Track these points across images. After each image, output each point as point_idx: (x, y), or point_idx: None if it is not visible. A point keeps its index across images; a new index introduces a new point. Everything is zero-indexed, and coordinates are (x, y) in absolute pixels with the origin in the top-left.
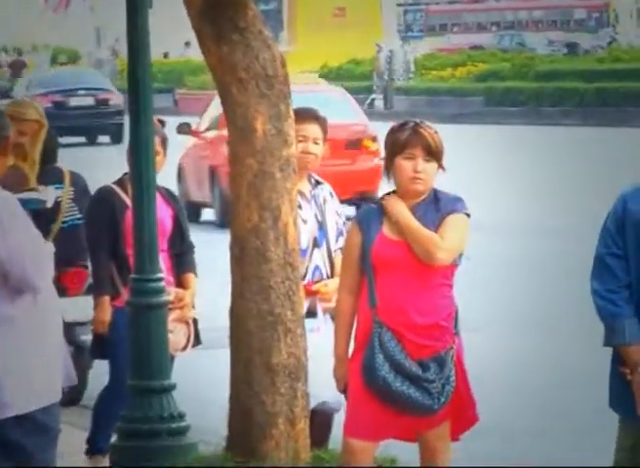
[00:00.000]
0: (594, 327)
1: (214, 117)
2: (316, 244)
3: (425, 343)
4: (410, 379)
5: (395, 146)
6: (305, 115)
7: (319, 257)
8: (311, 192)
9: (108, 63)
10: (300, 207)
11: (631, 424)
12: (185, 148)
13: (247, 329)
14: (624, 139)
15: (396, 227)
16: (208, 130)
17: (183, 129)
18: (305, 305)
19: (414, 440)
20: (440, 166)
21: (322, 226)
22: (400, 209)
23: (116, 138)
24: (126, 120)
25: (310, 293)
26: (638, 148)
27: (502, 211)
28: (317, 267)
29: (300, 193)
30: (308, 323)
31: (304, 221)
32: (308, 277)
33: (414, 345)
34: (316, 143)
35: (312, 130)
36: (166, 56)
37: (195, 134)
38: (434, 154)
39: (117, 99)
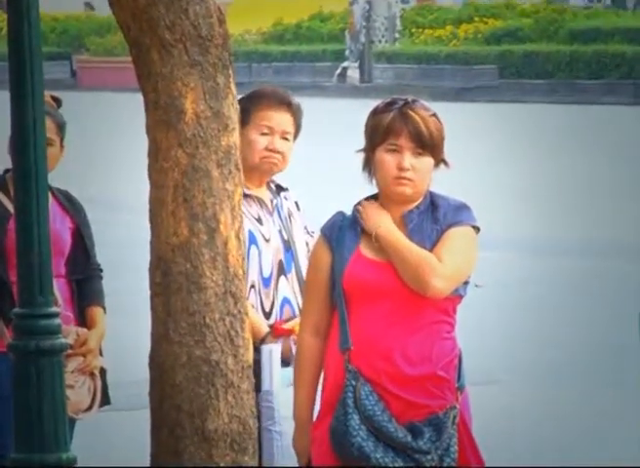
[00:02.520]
0: None
1: None
2: (283, 270)
3: (417, 401)
4: (395, 449)
5: (375, 134)
6: (273, 99)
7: (287, 287)
8: (273, 202)
9: None
10: (259, 221)
11: None
12: None
13: (173, 382)
14: None
15: (377, 244)
16: None
17: None
18: (277, 348)
19: None
20: (438, 161)
21: (289, 247)
22: (380, 219)
23: None
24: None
25: (281, 334)
26: None
27: (524, 222)
28: (286, 300)
29: (260, 202)
30: (285, 373)
31: (267, 240)
32: (275, 313)
33: (401, 403)
34: (285, 139)
35: (281, 120)
36: None
37: None
38: (428, 145)
39: None
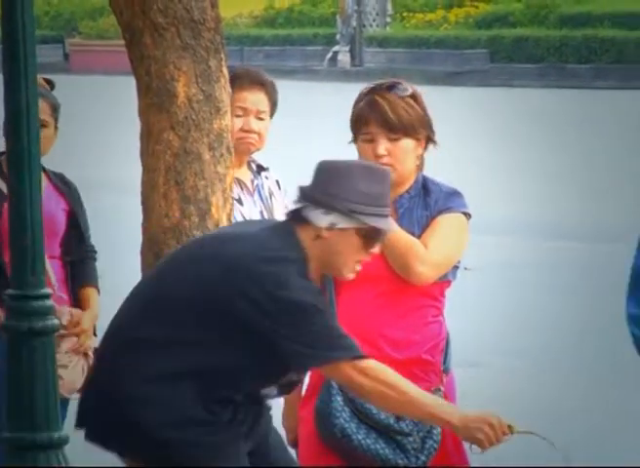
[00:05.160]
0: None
1: None
2: None
3: None
4: (378, 431)
5: (352, 125)
6: (245, 80)
7: None
8: (254, 182)
9: None
10: (240, 201)
11: None
12: None
13: None
14: None
15: None
16: None
17: None
18: None
19: None
20: (421, 139)
21: None
22: None
23: None
24: None
25: None
26: None
27: (515, 205)
28: None
29: (240, 183)
30: None
31: None
32: None
33: None
34: (260, 118)
35: (255, 99)
36: None
37: None
38: (399, 129)
39: None
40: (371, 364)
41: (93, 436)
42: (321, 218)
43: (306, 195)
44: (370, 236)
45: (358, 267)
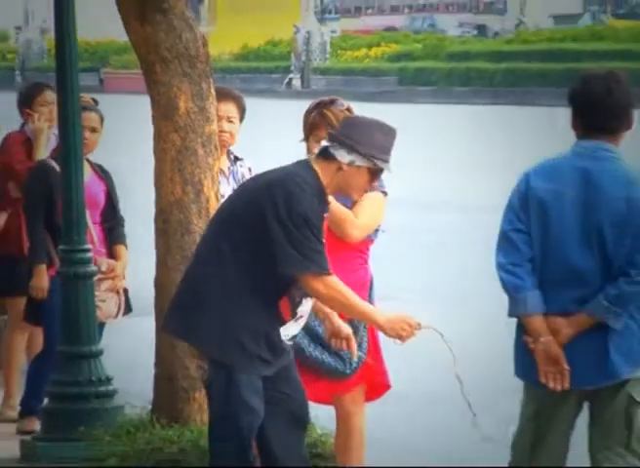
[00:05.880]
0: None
1: None
2: None
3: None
4: (323, 345)
5: (306, 128)
6: (219, 94)
7: None
8: (230, 168)
9: (37, 43)
10: (218, 182)
11: (534, 391)
12: None
13: (170, 297)
14: (532, 118)
15: None
16: None
17: None
18: None
19: (330, 403)
20: None
21: None
22: None
23: None
24: None
25: None
26: (544, 126)
27: (417, 185)
28: None
29: (219, 169)
30: None
31: (222, 197)
32: None
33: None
34: (230, 121)
35: (225, 108)
36: None
37: None
38: None
39: None
40: (331, 278)
41: (175, 331)
42: (344, 156)
43: (335, 138)
44: (375, 174)
45: (363, 195)
